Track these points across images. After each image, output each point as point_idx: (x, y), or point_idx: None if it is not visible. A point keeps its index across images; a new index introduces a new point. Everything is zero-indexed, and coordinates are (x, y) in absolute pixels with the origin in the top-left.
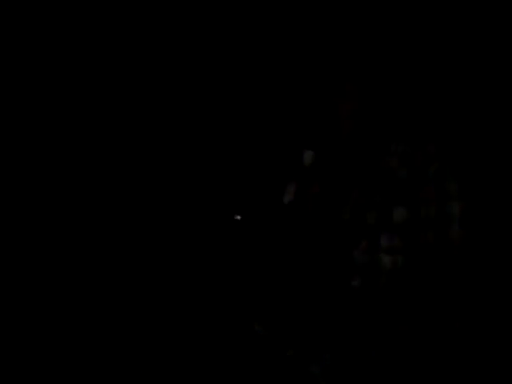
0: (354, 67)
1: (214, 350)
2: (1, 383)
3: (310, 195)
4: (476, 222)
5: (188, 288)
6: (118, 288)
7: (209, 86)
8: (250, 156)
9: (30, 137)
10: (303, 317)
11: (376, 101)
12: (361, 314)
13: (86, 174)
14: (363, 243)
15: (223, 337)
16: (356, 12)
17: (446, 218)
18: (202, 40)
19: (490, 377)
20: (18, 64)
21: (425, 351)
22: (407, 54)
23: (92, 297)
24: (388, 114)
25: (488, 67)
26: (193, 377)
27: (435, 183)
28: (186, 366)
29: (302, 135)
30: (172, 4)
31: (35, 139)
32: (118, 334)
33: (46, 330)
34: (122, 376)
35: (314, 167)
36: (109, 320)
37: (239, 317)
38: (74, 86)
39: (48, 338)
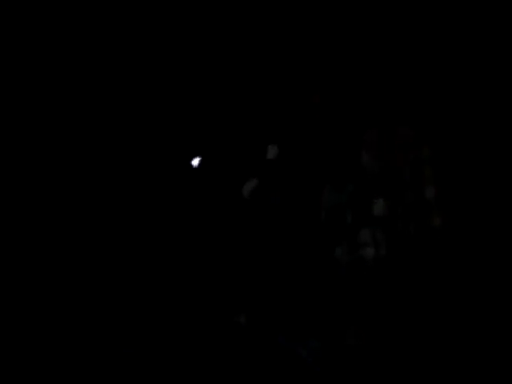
0: (322, 63)
1: (203, 344)
2: (1, 383)
3: (274, 189)
4: (454, 206)
5: (170, 285)
6: (109, 282)
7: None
8: (216, 148)
9: (29, 137)
10: (288, 305)
11: (345, 92)
12: (346, 301)
13: (85, 175)
14: (343, 242)
15: (209, 329)
16: (327, 15)
17: (424, 204)
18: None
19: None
20: (18, 64)
21: (411, 338)
22: (375, 46)
23: (87, 289)
24: (358, 103)
25: (459, 56)
26: (182, 367)
27: (411, 170)
28: (175, 357)
29: (266, 129)
30: (169, 5)
31: (35, 139)
32: (110, 326)
33: (46, 329)
34: (113, 365)
35: (278, 162)
36: (102, 315)
37: (222, 309)
38: (73, 86)
39: (48, 338)
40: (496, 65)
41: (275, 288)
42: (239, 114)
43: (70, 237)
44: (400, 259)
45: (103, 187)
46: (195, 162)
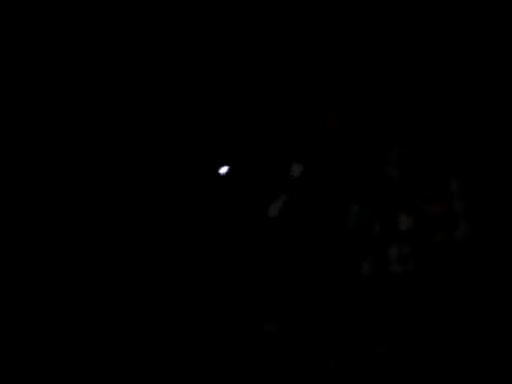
0: (336, 77)
1: (222, 352)
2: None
3: (300, 207)
4: (481, 219)
5: (192, 291)
6: (119, 285)
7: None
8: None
9: (29, 137)
10: (313, 316)
11: (363, 107)
12: (371, 315)
13: (85, 175)
14: (370, 256)
15: (232, 339)
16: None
17: (450, 217)
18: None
19: (492, 376)
20: (17, 64)
21: (433, 350)
22: (391, 59)
23: (93, 299)
24: (378, 119)
25: (480, 64)
26: (205, 377)
27: (436, 184)
28: (191, 366)
29: (290, 148)
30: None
31: (35, 139)
32: (120, 333)
33: (46, 330)
34: (123, 376)
35: (304, 179)
36: (110, 321)
37: (246, 318)
38: (73, 86)
39: (48, 338)
40: None
41: (301, 300)
42: (263, 131)
43: (80, 238)
44: (428, 274)
45: (117, 193)
46: (223, 170)
